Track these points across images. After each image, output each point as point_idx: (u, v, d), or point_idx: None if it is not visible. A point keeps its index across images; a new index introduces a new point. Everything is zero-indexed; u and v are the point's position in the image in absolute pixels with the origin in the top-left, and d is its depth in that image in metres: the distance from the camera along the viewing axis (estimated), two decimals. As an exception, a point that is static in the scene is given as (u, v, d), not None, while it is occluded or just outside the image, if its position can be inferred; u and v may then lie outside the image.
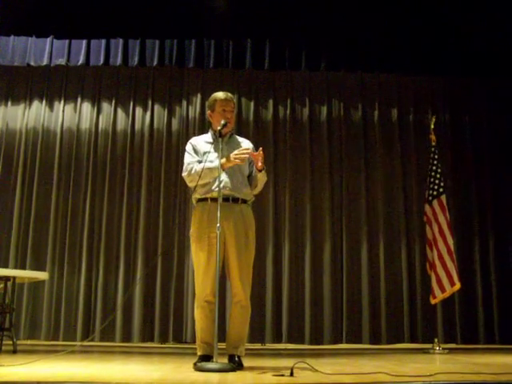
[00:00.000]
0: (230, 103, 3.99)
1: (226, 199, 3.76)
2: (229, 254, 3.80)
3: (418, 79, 7.85)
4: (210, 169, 3.77)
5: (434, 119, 6.70)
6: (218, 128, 3.84)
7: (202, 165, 3.80)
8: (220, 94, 4.02)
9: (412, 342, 7.08)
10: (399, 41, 7.52)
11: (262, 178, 3.93)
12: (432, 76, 7.76)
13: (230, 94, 4.05)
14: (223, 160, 3.75)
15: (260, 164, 3.82)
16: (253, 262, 3.91)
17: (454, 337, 7.11)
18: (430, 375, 2.89)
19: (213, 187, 3.81)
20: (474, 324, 7.17)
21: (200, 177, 3.75)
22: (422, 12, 7.18)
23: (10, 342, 5.20)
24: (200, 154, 3.93)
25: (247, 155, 3.78)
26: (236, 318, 3.83)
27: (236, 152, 3.77)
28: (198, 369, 3.45)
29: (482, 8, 7.08)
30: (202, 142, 4.03)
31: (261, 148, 3.84)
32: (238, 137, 4.17)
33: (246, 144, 4.08)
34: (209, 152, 3.85)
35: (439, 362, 4.61)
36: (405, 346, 7.03)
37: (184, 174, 3.92)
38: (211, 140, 3.99)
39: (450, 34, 7.37)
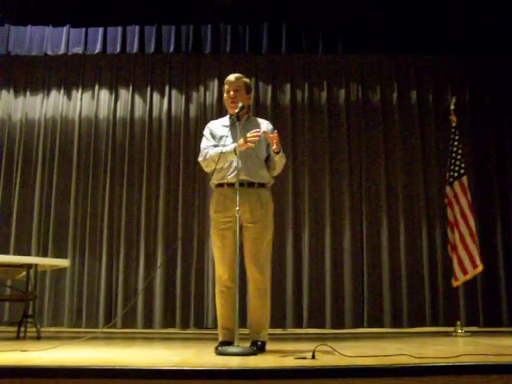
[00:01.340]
0: (233, 83, 3.95)
1: (241, 184, 3.72)
2: (245, 237, 3.79)
3: (436, 59, 7.75)
4: (223, 153, 3.75)
5: (454, 100, 6.57)
6: (236, 111, 3.82)
7: (215, 150, 3.79)
8: (228, 76, 4.01)
9: (434, 325, 7.05)
10: (416, 21, 7.43)
11: (279, 161, 3.89)
12: (451, 56, 7.65)
13: (237, 75, 4.00)
14: (238, 142, 3.72)
15: (275, 146, 3.78)
16: (271, 246, 3.89)
17: (476, 320, 7.06)
18: (453, 357, 2.86)
19: (227, 173, 3.80)
20: (496, 306, 7.11)
21: (215, 162, 3.74)
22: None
23: (34, 329, 5.26)
24: (217, 139, 3.91)
25: (257, 138, 3.73)
26: (255, 301, 3.84)
27: (247, 135, 3.74)
28: (219, 353, 3.45)
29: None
30: (219, 125, 4.01)
31: (276, 131, 3.81)
32: (257, 118, 4.13)
33: (265, 125, 4.03)
34: (226, 136, 3.83)
35: (461, 344, 4.57)
36: (426, 329, 6.99)
37: (200, 159, 3.92)
38: (228, 123, 3.96)
39: (468, 14, 7.25)
